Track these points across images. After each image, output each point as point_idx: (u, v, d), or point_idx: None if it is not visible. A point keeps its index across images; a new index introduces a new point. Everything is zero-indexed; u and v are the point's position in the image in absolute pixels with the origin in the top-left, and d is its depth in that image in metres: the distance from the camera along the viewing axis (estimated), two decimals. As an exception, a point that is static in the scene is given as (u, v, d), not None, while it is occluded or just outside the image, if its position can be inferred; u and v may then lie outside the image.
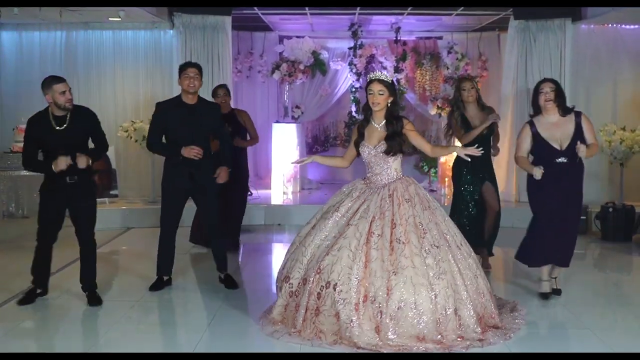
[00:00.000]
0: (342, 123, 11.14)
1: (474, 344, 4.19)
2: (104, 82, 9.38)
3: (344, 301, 4.17)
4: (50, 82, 4.91)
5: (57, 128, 4.92)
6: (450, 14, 9.26)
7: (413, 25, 10.24)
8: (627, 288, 6.05)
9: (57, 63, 9.27)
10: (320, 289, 4.25)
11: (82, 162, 4.91)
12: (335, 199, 4.72)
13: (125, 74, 9.33)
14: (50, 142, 4.93)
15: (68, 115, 4.95)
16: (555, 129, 5.10)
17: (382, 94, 4.54)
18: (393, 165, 4.64)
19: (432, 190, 10.30)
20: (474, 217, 6.14)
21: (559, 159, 5.05)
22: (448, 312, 4.19)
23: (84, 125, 5.05)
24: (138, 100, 9.33)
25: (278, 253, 7.28)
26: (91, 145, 5.25)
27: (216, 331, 4.61)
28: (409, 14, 9.26)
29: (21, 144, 8.08)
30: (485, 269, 5.90)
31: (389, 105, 4.61)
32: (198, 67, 5.52)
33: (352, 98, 10.69)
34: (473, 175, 6.10)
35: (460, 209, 6.16)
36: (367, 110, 4.70)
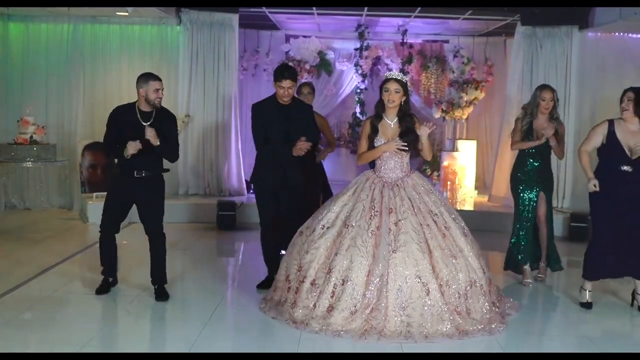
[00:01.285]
0: (346, 124, 11.11)
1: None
2: (109, 76, 9.38)
3: (428, 291, 4.40)
4: (147, 77, 5.06)
5: (144, 123, 5.04)
6: (457, 18, 9.27)
7: (420, 28, 10.24)
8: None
9: (63, 55, 9.29)
10: (399, 285, 4.40)
11: (152, 133, 4.95)
12: (361, 196, 4.76)
13: (131, 68, 9.28)
14: (133, 135, 5.00)
15: (154, 113, 5.09)
16: (631, 137, 5.05)
17: (398, 92, 4.79)
18: (405, 160, 4.87)
19: (434, 194, 10.29)
20: (532, 231, 5.97)
21: (624, 167, 5.01)
22: (488, 285, 4.73)
23: (164, 125, 5.13)
24: (143, 96, 9.33)
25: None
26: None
27: (215, 328, 4.62)
28: (416, 16, 9.26)
29: (24, 136, 8.22)
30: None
31: (402, 103, 4.83)
32: (293, 78, 5.35)
33: (357, 99, 10.67)
34: (528, 185, 5.93)
35: (521, 223, 5.95)
36: (379, 107, 4.90)
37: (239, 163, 9.44)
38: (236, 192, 9.34)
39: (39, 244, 7.06)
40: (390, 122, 4.87)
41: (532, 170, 5.93)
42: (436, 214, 4.69)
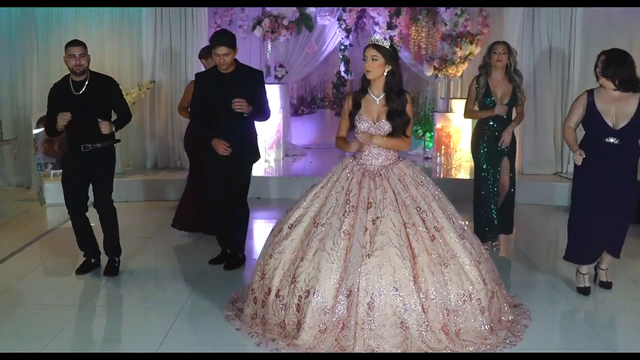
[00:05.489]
0: (330, 83, 10.60)
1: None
2: (65, 43, 8.51)
3: (406, 307, 3.69)
4: (66, 45, 4.96)
5: (75, 93, 4.97)
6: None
7: (408, -23, 9.37)
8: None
9: (13, 26, 8.47)
10: (371, 298, 3.67)
11: (105, 127, 4.90)
12: (336, 188, 4.06)
13: (89, 33, 8.44)
14: (68, 107, 4.93)
15: (87, 81, 4.98)
16: (613, 105, 4.53)
17: (376, 60, 4.02)
18: None
19: (426, 158, 9.64)
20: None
21: (610, 139, 4.49)
22: (489, 300, 3.97)
23: (102, 93, 5.05)
24: (103, 64, 8.38)
25: (259, 233, 6.69)
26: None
27: (185, 323, 4.29)
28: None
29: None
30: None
31: (385, 74, 4.04)
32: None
33: (341, 57, 9.99)
34: (491, 150, 5.67)
35: (482, 195, 5.72)
36: (364, 79, 4.17)
37: (212, 132, 8.71)
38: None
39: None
40: (376, 98, 4.11)
41: (493, 138, 5.66)
42: (425, 211, 3.94)
